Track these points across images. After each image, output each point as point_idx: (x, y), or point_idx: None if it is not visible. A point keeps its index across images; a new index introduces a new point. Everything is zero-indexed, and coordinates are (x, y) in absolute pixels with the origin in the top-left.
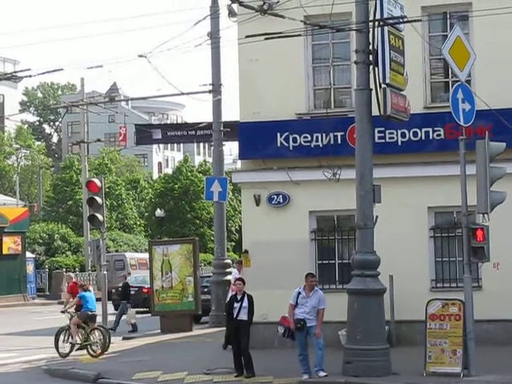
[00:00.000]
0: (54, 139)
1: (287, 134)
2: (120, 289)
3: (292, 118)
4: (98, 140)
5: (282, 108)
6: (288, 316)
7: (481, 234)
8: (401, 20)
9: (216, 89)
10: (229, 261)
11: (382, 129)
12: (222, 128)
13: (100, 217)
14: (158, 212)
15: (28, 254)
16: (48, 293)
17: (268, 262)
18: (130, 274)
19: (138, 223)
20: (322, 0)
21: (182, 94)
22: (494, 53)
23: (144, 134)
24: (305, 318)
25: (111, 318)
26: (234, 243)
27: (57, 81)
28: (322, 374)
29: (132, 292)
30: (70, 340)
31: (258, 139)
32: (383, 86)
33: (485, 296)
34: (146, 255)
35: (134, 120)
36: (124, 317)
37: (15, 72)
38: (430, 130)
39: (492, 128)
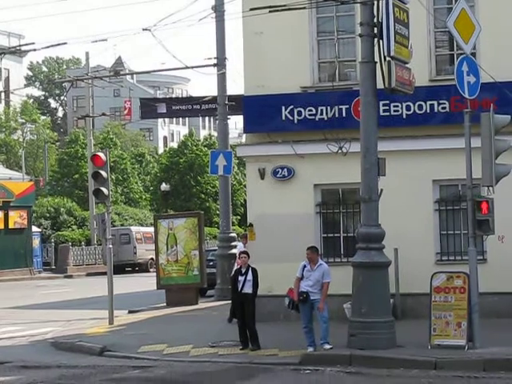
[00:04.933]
0: (60, 114)
1: (292, 107)
2: None
3: (297, 92)
4: (103, 114)
5: (287, 81)
6: (294, 288)
7: (486, 206)
8: None
9: (221, 62)
10: (234, 234)
11: (387, 102)
12: (226, 102)
13: (105, 191)
14: (164, 186)
15: (34, 229)
16: (54, 267)
17: (273, 236)
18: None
19: (144, 197)
20: None
21: (187, 67)
22: (499, 25)
23: (149, 108)
24: (308, 291)
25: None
26: (239, 217)
27: (62, 55)
28: (327, 346)
29: None
30: None
31: (263, 113)
32: (388, 58)
33: (489, 269)
34: (151, 229)
35: (139, 94)
36: None
37: (20, 46)
38: (435, 102)
39: (497, 100)
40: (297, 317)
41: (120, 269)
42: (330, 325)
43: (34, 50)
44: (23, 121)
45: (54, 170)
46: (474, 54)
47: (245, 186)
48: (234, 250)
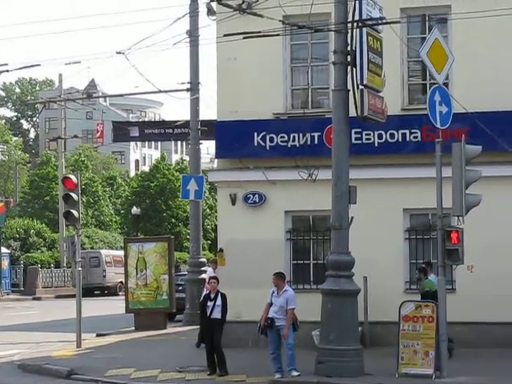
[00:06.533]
0: (32, 135)
1: (264, 133)
2: None
3: (269, 118)
4: (75, 136)
5: (260, 107)
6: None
7: (455, 236)
8: (379, 21)
9: (194, 87)
10: (204, 259)
11: (359, 130)
12: (199, 126)
13: (75, 213)
14: (134, 210)
15: (3, 250)
16: (22, 288)
17: (243, 261)
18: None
19: (114, 220)
20: (302, 0)
21: (160, 91)
22: (472, 55)
23: (121, 131)
24: (273, 317)
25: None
26: (209, 242)
27: (35, 76)
28: (294, 373)
29: None
30: None
31: (235, 138)
32: (361, 87)
33: (458, 298)
34: (121, 252)
35: (111, 117)
36: None
37: None
38: (407, 131)
39: (468, 131)
40: (265, 343)
41: (89, 292)
42: (299, 351)
43: (7, 71)
44: None
45: (24, 192)
46: (446, 84)
47: (216, 210)
48: (203, 275)
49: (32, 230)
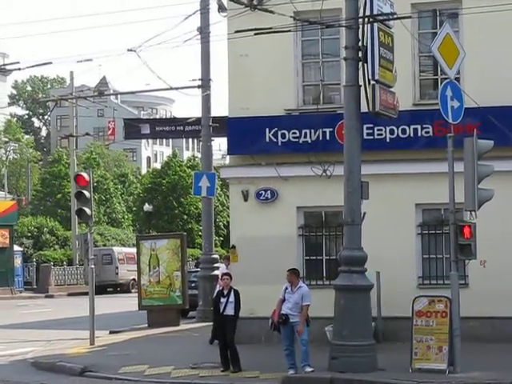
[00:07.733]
0: (43, 133)
1: (276, 129)
2: None
3: (281, 114)
4: (87, 134)
5: (271, 104)
6: (276, 309)
7: (468, 231)
8: (390, 17)
9: (205, 84)
10: (216, 256)
11: (371, 125)
12: (210, 123)
13: (88, 211)
14: (146, 207)
15: (16, 248)
16: (35, 286)
17: (255, 258)
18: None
19: (126, 217)
20: None
21: (171, 88)
22: (483, 50)
23: (133, 129)
24: (288, 314)
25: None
26: (222, 238)
27: (46, 74)
28: (308, 369)
29: None
30: None
31: (247, 135)
32: (372, 82)
33: (471, 293)
34: (133, 250)
35: (123, 114)
36: None
37: (4, 65)
38: (419, 127)
39: (480, 126)
40: (278, 339)
41: (102, 289)
42: (312, 347)
43: (19, 69)
44: (6, 139)
45: (36, 190)
46: (457, 79)
47: (228, 207)
48: (216, 272)
49: (44, 228)
